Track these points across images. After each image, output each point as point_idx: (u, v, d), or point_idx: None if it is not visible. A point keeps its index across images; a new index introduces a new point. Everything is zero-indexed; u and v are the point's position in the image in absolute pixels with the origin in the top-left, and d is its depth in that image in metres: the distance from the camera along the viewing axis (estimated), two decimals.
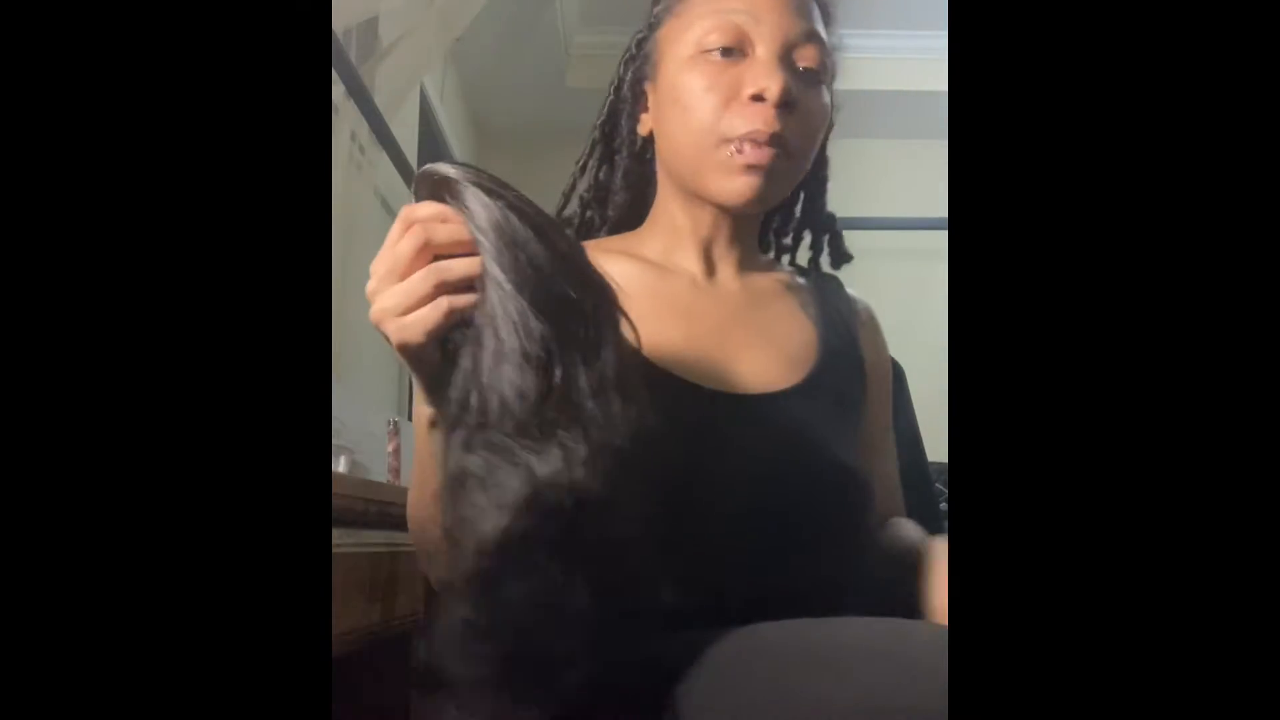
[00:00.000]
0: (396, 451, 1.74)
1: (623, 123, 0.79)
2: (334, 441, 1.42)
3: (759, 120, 0.68)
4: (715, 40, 0.69)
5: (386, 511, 1.12)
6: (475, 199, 0.49)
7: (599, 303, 0.50)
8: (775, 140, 0.68)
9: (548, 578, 0.45)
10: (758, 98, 0.68)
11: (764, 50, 0.69)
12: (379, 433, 1.76)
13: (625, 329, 0.51)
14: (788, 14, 0.70)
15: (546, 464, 0.45)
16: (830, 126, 0.78)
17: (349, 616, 1.00)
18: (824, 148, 0.80)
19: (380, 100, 1.94)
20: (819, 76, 0.71)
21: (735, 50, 0.69)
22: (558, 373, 0.47)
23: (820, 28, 0.72)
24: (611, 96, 0.79)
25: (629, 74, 0.78)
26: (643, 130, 0.78)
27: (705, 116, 0.69)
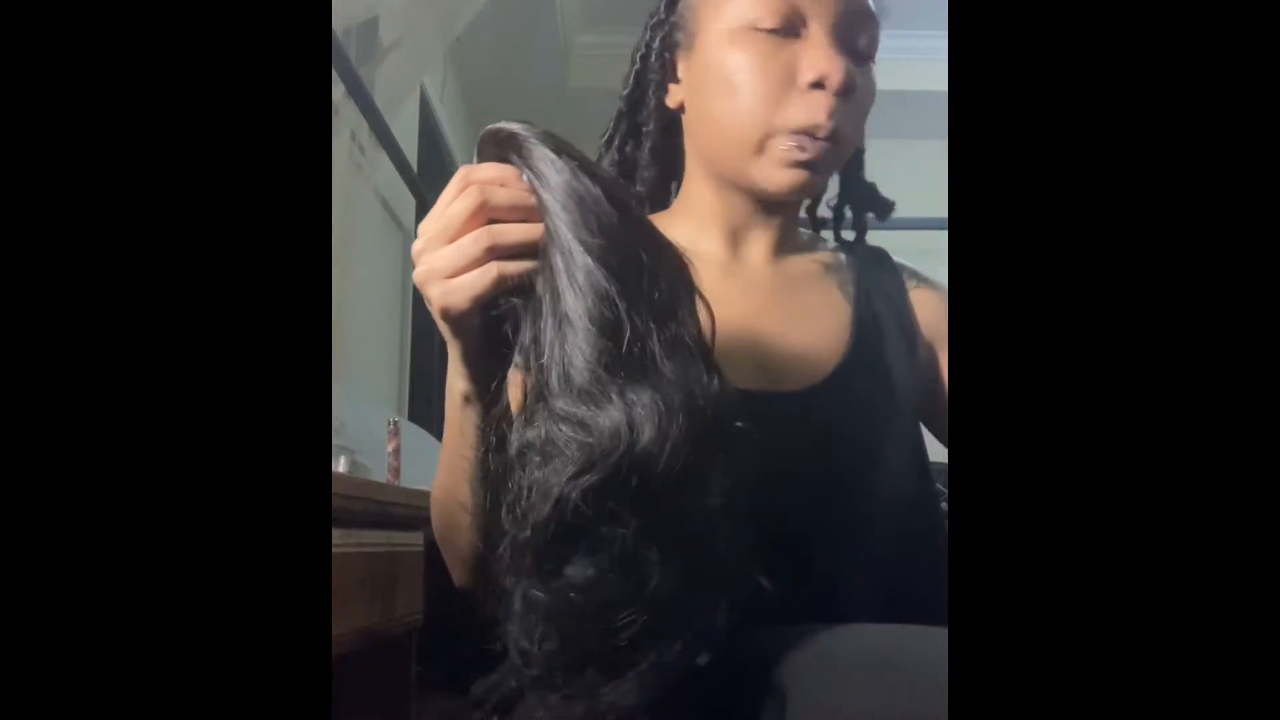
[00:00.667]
0: (396, 451, 1.74)
1: (650, 94, 0.72)
2: (334, 441, 1.42)
3: (820, 112, 0.63)
4: (767, 18, 0.64)
5: (386, 511, 1.12)
6: (544, 158, 0.47)
7: (673, 274, 0.48)
8: (832, 132, 0.64)
9: (616, 551, 0.43)
10: (817, 85, 0.63)
11: (819, 29, 0.64)
12: (379, 433, 1.76)
13: (700, 306, 0.48)
14: None
15: (610, 425, 0.42)
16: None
17: (349, 616, 1.00)
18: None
19: (380, 100, 1.94)
20: (869, 55, 0.67)
21: (787, 29, 0.64)
22: (628, 332, 0.43)
23: (871, 8, 0.68)
24: (638, 65, 0.73)
25: (657, 40, 0.71)
26: (671, 102, 0.71)
27: (757, 103, 0.64)
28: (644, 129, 0.73)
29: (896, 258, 0.80)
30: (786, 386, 0.66)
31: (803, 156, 0.64)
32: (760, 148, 0.65)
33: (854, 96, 0.64)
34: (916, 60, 3.06)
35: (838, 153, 0.66)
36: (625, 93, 0.74)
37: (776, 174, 0.66)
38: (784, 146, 0.64)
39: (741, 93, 0.65)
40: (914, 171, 3.02)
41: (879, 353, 0.70)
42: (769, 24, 0.64)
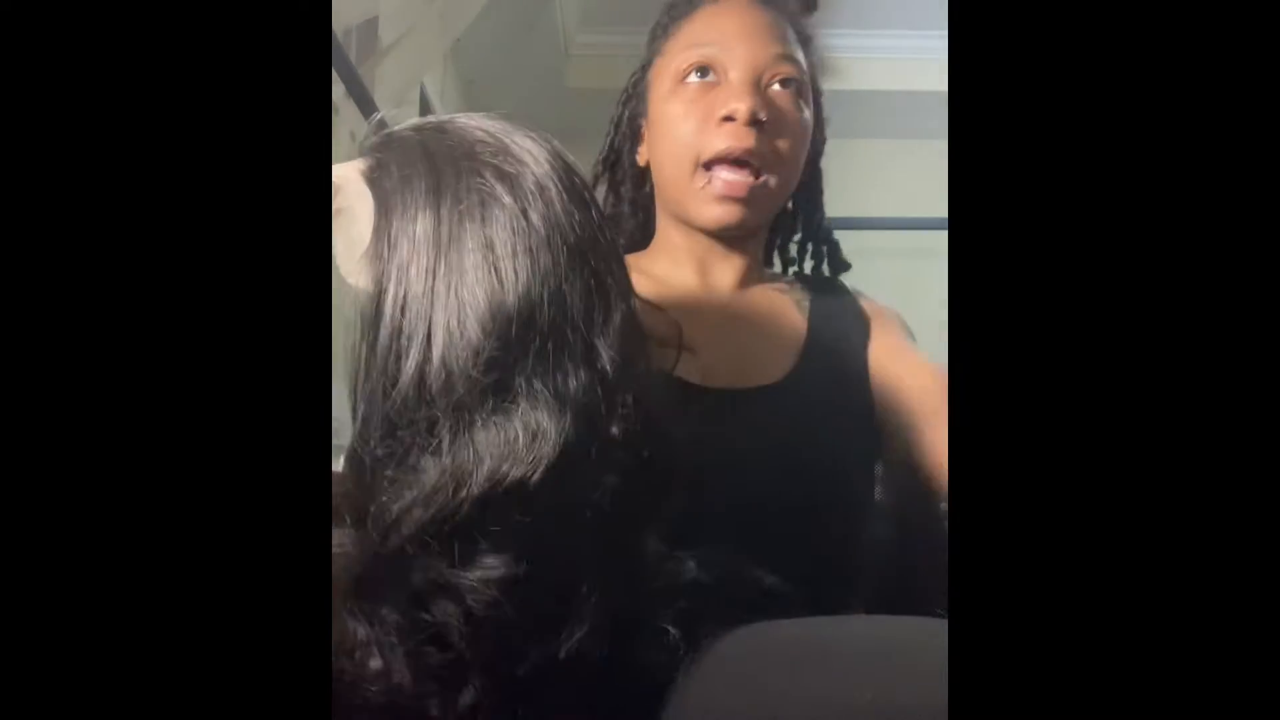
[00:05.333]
0: None
1: (624, 156, 0.84)
2: (334, 441, 1.42)
3: (731, 139, 0.71)
4: (688, 66, 0.74)
5: None
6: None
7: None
8: (750, 157, 0.71)
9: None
10: (728, 118, 0.72)
11: (735, 75, 0.74)
12: None
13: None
14: (757, 41, 0.74)
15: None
16: (821, 142, 0.83)
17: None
18: (815, 162, 0.84)
19: (380, 100, 1.94)
20: (795, 96, 0.75)
21: (710, 76, 0.74)
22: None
23: (794, 49, 0.76)
24: (612, 133, 0.85)
25: (626, 112, 0.83)
26: (640, 161, 0.83)
27: (683, 139, 0.74)
28: (621, 187, 0.85)
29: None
30: (746, 384, 0.73)
31: (719, 193, 0.72)
32: (690, 183, 0.74)
33: (772, 129, 0.72)
34: (916, 60, 3.06)
35: (770, 187, 0.74)
36: (601, 157, 0.85)
37: (707, 209, 0.74)
38: (702, 183, 0.73)
39: (672, 135, 0.75)
40: (914, 171, 3.03)
41: (836, 363, 0.78)
42: (689, 69, 0.74)
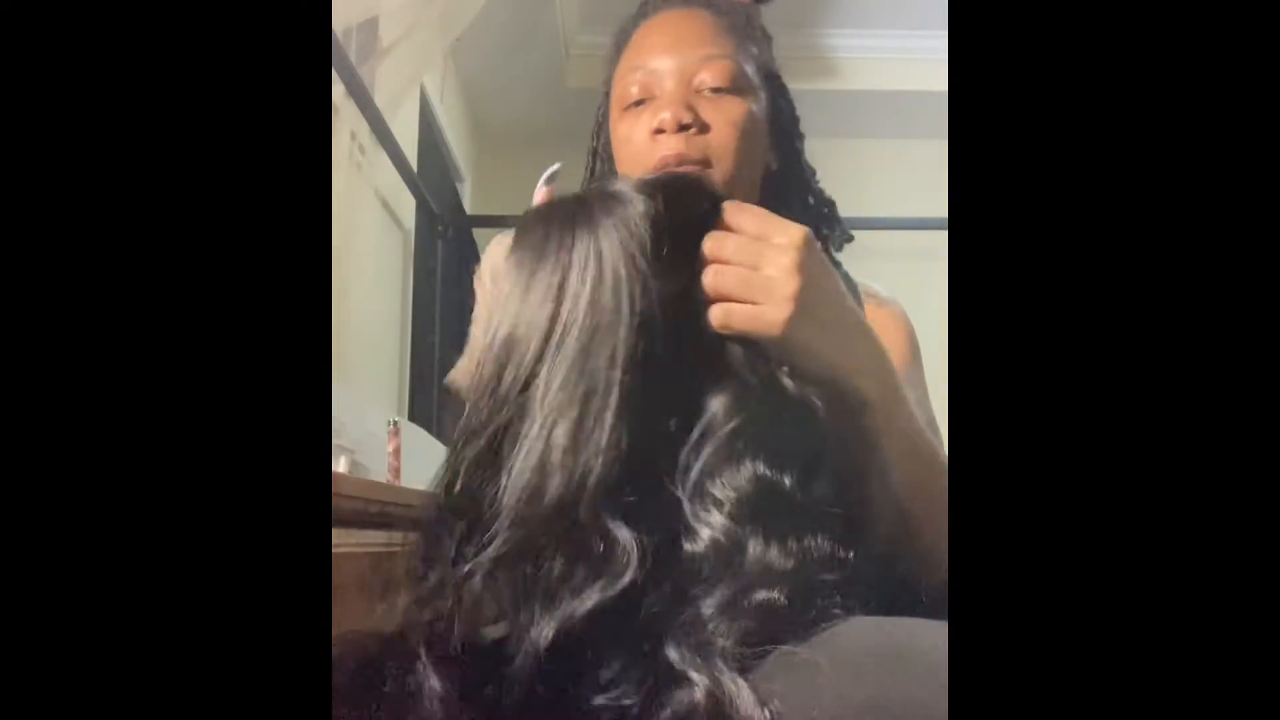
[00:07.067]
0: (396, 451, 1.74)
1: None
2: (334, 441, 1.42)
3: (664, 148, 0.76)
4: (629, 96, 0.79)
5: (386, 511, 1.12)
6: None
7: None
8: (685, 160, 0.75)
9: None
10: (658, 130, 0.76)
11: (665, 86, 0.78)
12: (379, 433, 1.76)
13: None
14: (684, 48, 0.79)
15: None
16: (795, 124, 0.85)
17: (349, 616, 1.00)
18: (790, 147, 0.86)
19: (380, 100, 1.94)
20: (732, 90, 0.78)
21: (648, 98, 0.79)
22: None
23: (727, 47, 0.79)
24: (590, 162, 0.89)
25: (599, 142, 0.88)
26: None
27: (633, 156, 0.78)
28: None
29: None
30: None
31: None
32: None
33: (705, 128, 0.76)
34: (916, 60, 3.07)
35: (721, 173, 0.77)
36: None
37: None
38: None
39: (626, 155, 0.80)
40: (914, 171, 3.03)
41: None
42: (631, 99, 0.79)
